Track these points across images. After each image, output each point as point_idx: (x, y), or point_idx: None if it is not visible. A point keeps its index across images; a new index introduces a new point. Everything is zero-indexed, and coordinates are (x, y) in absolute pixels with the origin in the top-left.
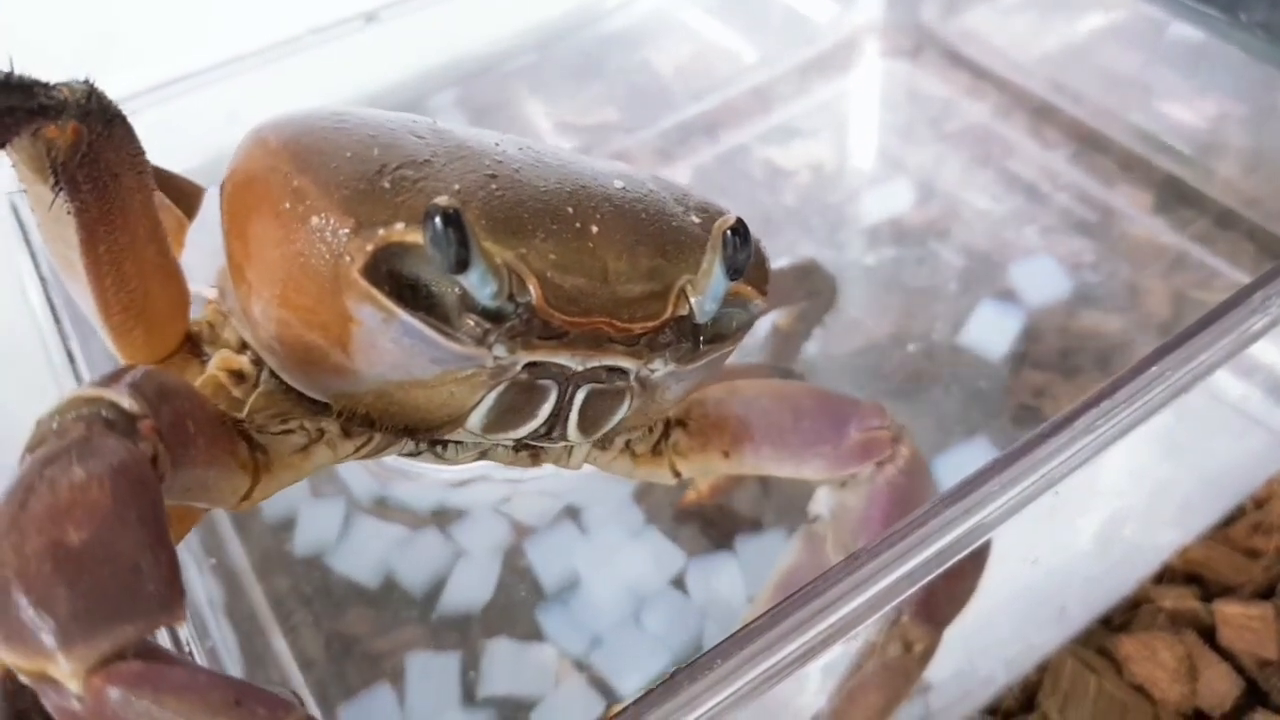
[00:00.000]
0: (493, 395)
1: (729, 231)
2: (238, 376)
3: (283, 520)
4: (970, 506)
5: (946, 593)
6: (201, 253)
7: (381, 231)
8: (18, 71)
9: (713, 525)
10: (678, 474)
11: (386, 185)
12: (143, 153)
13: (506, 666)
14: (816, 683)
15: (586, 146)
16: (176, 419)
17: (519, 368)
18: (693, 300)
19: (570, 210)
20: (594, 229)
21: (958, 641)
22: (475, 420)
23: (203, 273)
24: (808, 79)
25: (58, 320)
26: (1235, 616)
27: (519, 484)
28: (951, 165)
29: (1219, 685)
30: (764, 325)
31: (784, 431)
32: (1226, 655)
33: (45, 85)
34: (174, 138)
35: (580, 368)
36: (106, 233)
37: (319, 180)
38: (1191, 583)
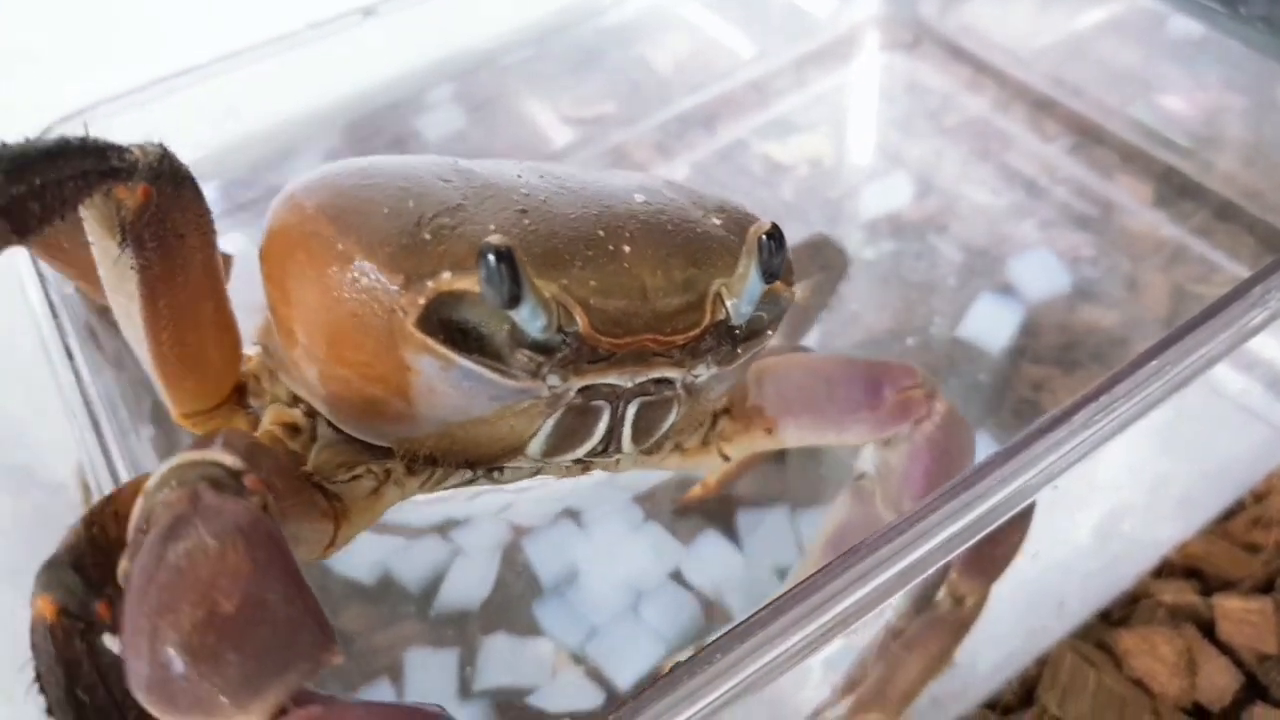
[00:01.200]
0: (550, 422)
1: (764, 236)
2: (293, 430)
3: None
4: (969, 501)
5: (994, 549)
6: (241, 311)
7: (430, 283)
8: (92, 135)
9: (714, 515)
10: (726, 457)
11: (427, 236)
12: (208, 213)
13: (504, 660)
14: (818, 676)
15: (584, 140)
16: (268, 475)
17: (572, 393)
18: (729, 304)
19: (601, 233)
20: (626, 249)
21: None
22: (535, 447)
23: (244, 330)
24: (806, 73)
25: (56, 318)
26: (1234, 611)
27: (523, 491)
28: (950, 159)
29: (1218, 679)
30: None
31: (822, 402)
32: (1226, 649)
33: (119, 148)
34: (173, 132)
35: (630, 384)
36: (167, 289)
37: (362, 241)
38: (1191, 577)
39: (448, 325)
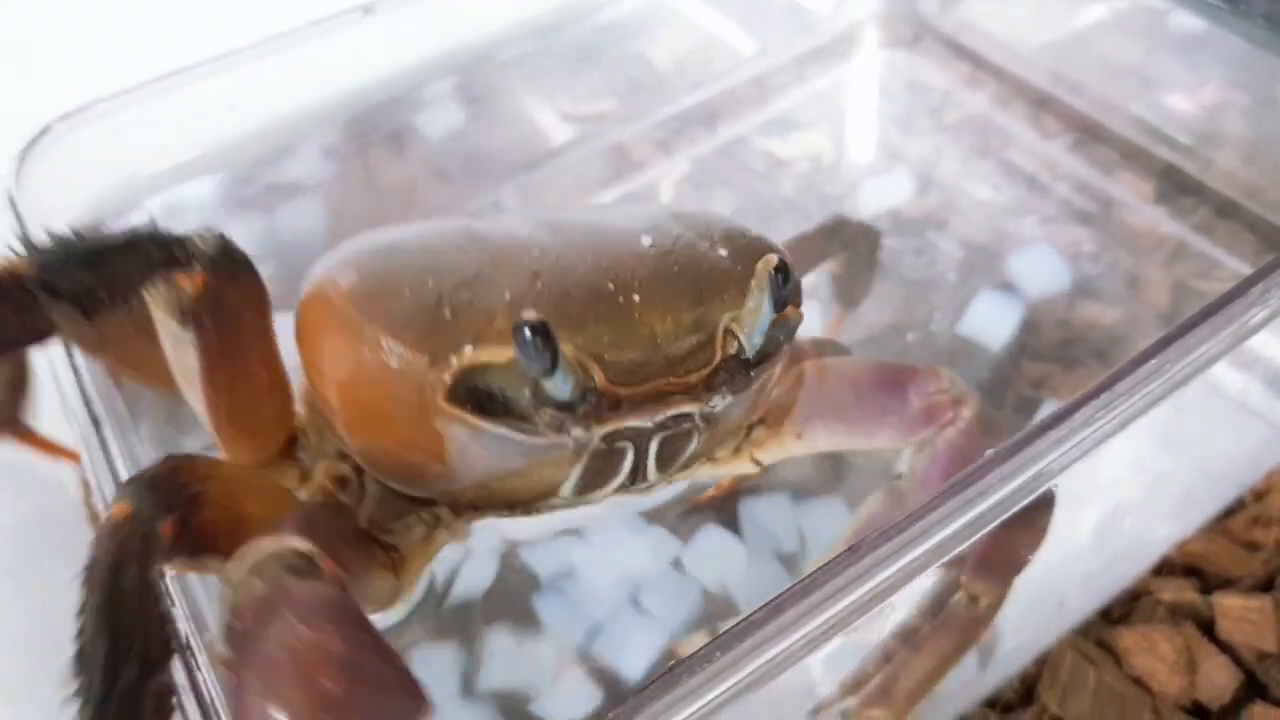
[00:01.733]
0: (578, 468)
1: (775, 272)
2: (342, 482)
3: None
4: (970, 498)
5: (1007, 548)
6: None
7: (454, 359)
8: (156, 226)
9: (720, 510)
10: (758, 463)
11: (448, 314)
12: (264, 290)
13: (506, 658)
14: (819, 674)
15: (584, 138)
16: (335, 544)
17: (596, 440)
18: (741, 337)
19: (611, 287)
20: (636, 298)
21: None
22: (566, 489)
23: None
24: (806, 70)
25: None
26: (1234, 609)
27: None
28: (951, 156)
29: (1218, 677)
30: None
31: (849, 408)
32: (1225, 648)
33: (180, 240)
34: (173, 130)
35: (650, 424)
36: (225, 362)
37: (388, 325)
38: (1191, 575)
39: (474, 393)
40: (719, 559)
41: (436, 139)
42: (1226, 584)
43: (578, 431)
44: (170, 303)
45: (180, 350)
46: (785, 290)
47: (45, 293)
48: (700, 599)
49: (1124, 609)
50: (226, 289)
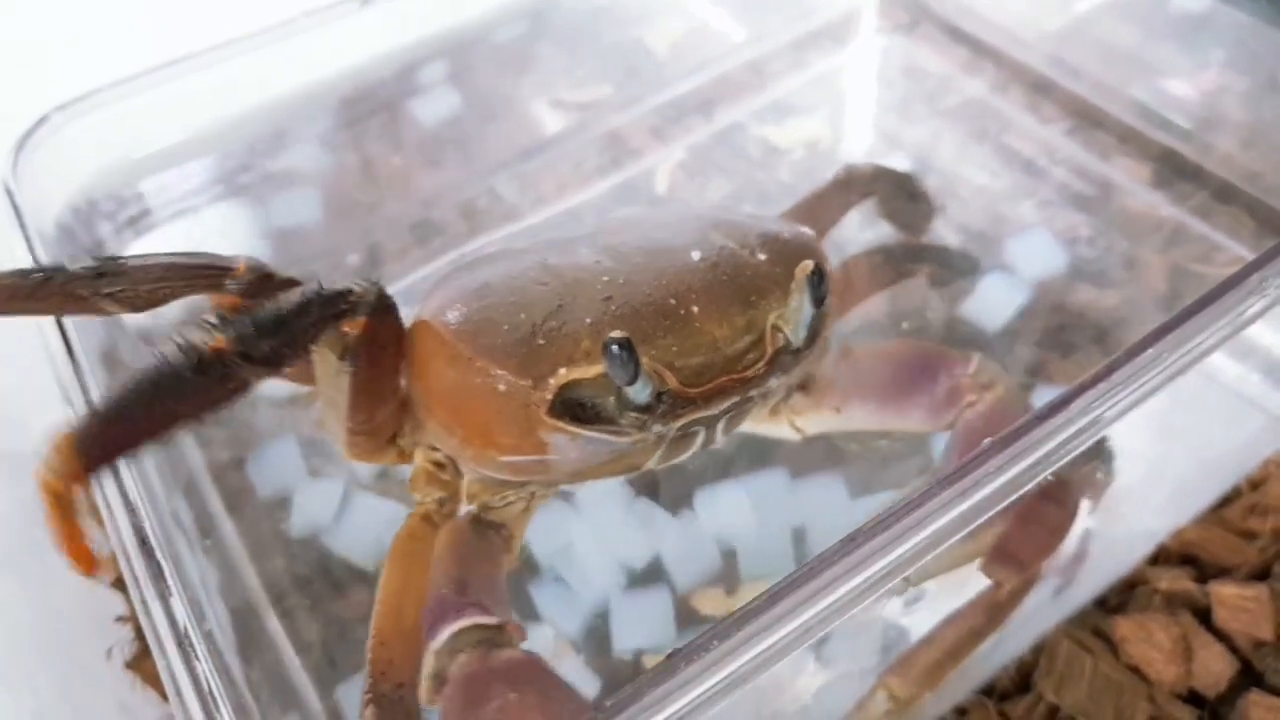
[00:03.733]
0: (659, 452)
1: (811, 275)
2: (439, 466)
3: (278, 501)
4: (966, 488)
5: (1032, 535)
6: None
7: (552, 380)
8: (321, 285)
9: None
10: (798, 430)
11: (542, 342)
12: (401, 323)
13: None
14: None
15: (580, 125)
16: (478, 564)
17: (673, 432)
18: (787, 332)
19: (673, 302)
20: (695, 309)
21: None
22: (648, 466)
23: None
24: (803, 55)
25: None
26: (1230, 598)
27: None
28: (948, 141)
29: (1214, 666)
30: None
31: (885, 387)
32: (1222, 636)
33: (346, 292)
34: (170, 120)
35: (716, 412)
36: (368, 386)
37: (494, 357)
38: (1187, 564)
39: (570, 406)
40: (731, 521)
41: (432, 126)
42: (1223, 572)
43: (657, 428)
44: (334, 343)
45: (334, 379)
46: (822, 289)
47: (243, 361)
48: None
49: (1120, 597)
50: (379, 328)
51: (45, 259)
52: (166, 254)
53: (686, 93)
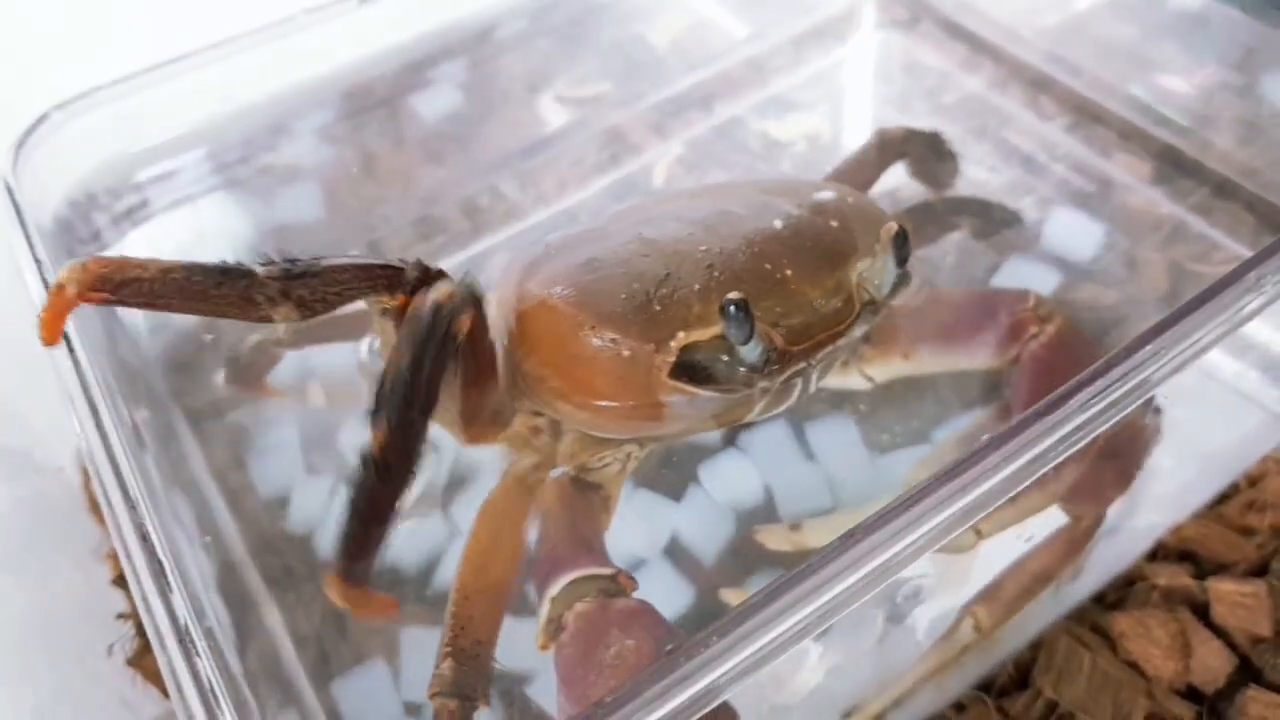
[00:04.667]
0: (762, 403)
1: (896, 236)
2: (536, 430)
3: (277, 497)
4: (964, 485)
5: (1108, 476)
6: None
7: (672, 343)
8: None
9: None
10: (869, 378)
11: (658, 308)
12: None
13: (501, 640)
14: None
15: (581, 121)
16: (582, 522)
17: (777, 385)
18: (871, 290)
19: (768, 266)
20: (789, 272)
21: (952, 620)
22: (752, 416)
23: None
24: (803, 51)
25: None
26: (1229, 594)
27: None
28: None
29: (1212, 662)
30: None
31: (949, 329)
32: (1220, 632)
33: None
34: (171, 117)
35: (812, 363)
36: (477, 376)
37: (618, 325)
38: (1185, 560)
39: (687, 367)
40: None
41: (432, 122)
42: (1221, 569)
43: (764, 383)
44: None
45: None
46: (905, 249)
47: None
48: (701, 579)
49: (1119, 594)
50: (478, 323)
51: (45, 254)
52: (343, 256)
53: (687, 88)
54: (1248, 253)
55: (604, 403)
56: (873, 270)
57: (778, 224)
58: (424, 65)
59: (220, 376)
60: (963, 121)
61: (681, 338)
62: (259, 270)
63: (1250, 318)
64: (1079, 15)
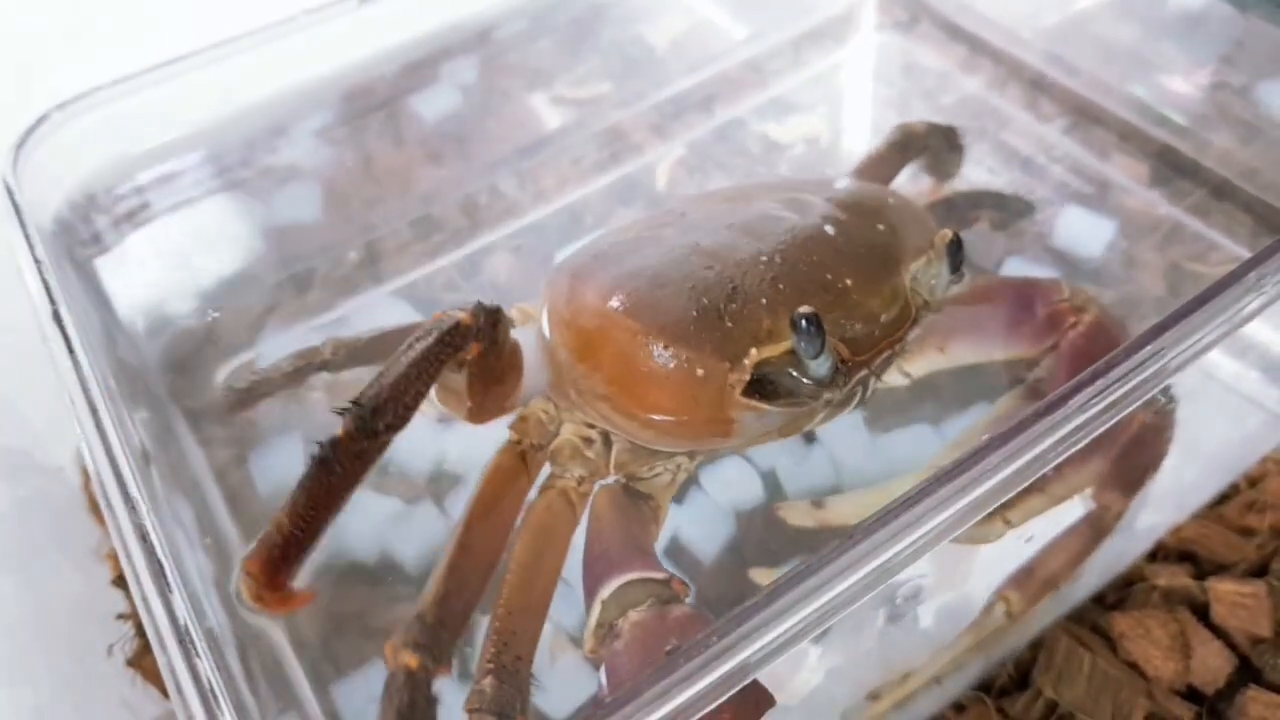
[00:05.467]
0: (824, 411)
1: (950, 243)
2: (586, 441)
3: (278, 498)
4: (965, 485)
5: (1133, 465)
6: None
7: (746, 360)
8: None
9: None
10: (907, 375)
11: (730, 324)
12: (508, 326)
13: None
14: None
15: (580, 121)
16: (634, 531)
17: (842, 394)
18: (926, 295)
19: (830, 277)
20: (849, 281)
21: (951, 620)
22: (815, 424)
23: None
24: (803, 52)
25: (54, 304)
26: (1228, 594)
27: None
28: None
29: (1212, 662)
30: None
31: (984, 321)
32: (1219, 633)
33: (455, 330)
34: (171, 118)
35: (875, 369)
36: (490, 386)
37: (691, 343)
38: (1185, 560)
39: (759, 383)
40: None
41: (432, 122)
42: (1221, 569)
43: (830, 394)
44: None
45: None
46: (959, 255)
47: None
48: (700, 578)
49: (1119, 594)
50: (491, 348)
51: (45, 255)
52: (404, 355)
53: (687, 89)
54: (1245, 253)
55: (671, 419)
56: (926, 275)
57: (830, 230)
58: (424, 65)
59: (220, 376)
60: (962, 122)
61: (754, 355)
62: (346, 435)
63: (1250, 318)
64: (1078, 15)
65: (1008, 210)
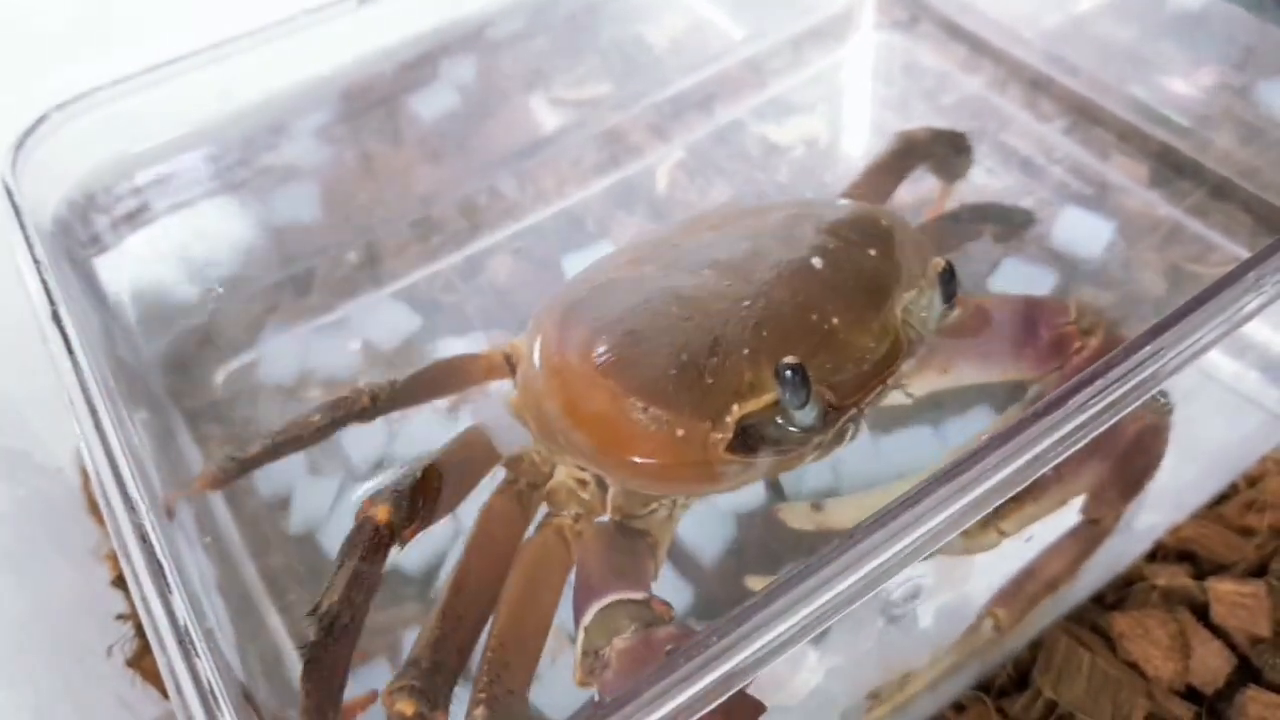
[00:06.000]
0: (815, 452)
1: (943, 273)
2: (581, 483)
3: (278, 498)
4: (965, 484)
5: (1124, 476)
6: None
7: (728, 418)
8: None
9: None
10: (909, 394)
11: (710, 381)
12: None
13: None
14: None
15: (579, 122)
16: (622, 561)
17: (832, 435)
18: (918, 327)
19: (815, 317)
20: (835, 320)
21: (950, 620)
22: (804, 465)
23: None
24: (802, 52)
25: (54, 304)
26: (1228, 594)
27: None
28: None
29: (1211, 662)
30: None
31: (987, 342)
32: (1219, 633)
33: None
34: (170, 118)
35: (865, 406)
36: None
37: (669, 403)
38: (1184, 560)
39: (743, 436)
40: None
41: (431, 122)
42: (1220, 569)
43: (820, 438)
44: None
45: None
46: (953, 286)
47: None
48: (700, 580)
49: (1118, 594)
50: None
51: (44, 255)
52: (343, 576)
53: (686, 90)
54: (1245, 254)
55: (657, 473)
56: (919, 307)
57: (817, 263)
58: (422, 65)
59: (219, 376)
60: (962, 123)
61: (736, 410)
62: (312, 646)
63: (1250, 318)
64: (1078, 16)
65: (1011, 222)
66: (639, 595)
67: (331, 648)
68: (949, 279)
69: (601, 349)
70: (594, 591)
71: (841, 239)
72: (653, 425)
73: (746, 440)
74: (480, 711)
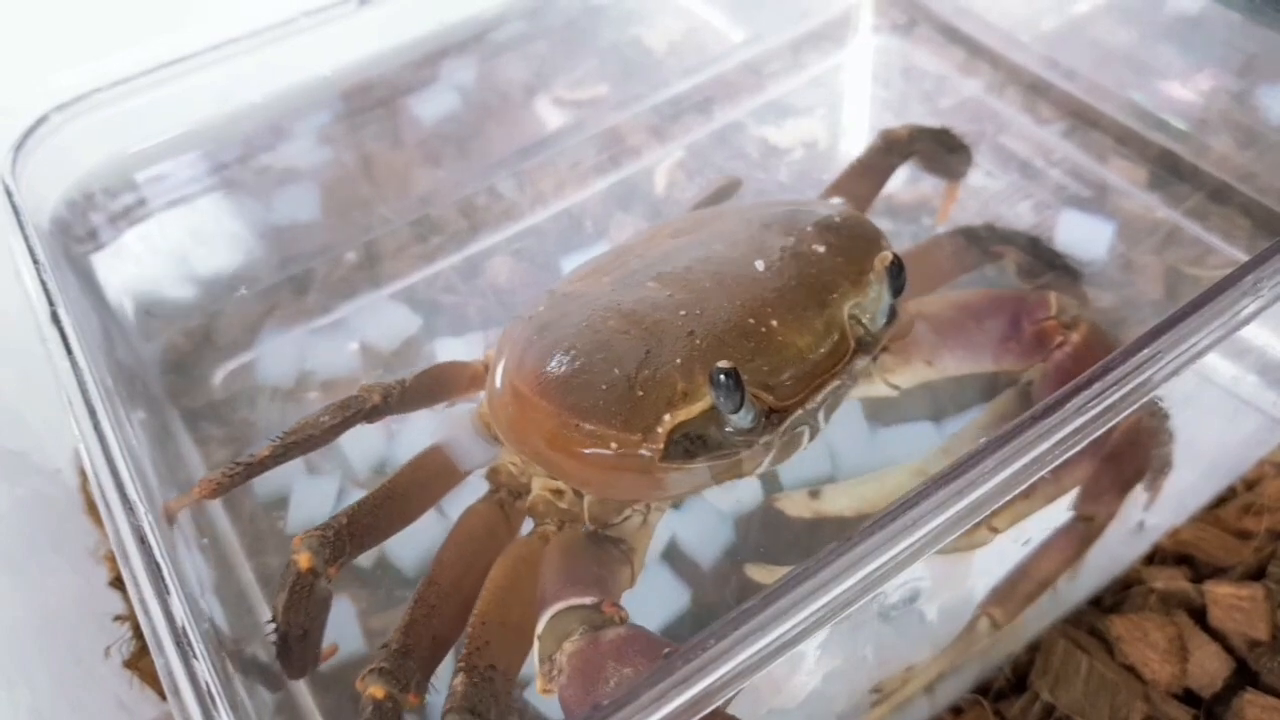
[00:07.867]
0: (770, 455)
1: (890, 266)
2: (558, 493)
3: (275, 499)
4: (962, 489)
5: (1116, 474)
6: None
7: (660, 429)
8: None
9: None
10: (895, 387)
11: (641, 393)
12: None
13: None
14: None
15: (578, 123)
16: (591, 569)
17: (779, 437)
18: (866, 323)
19: (752, 321)
20: (774, 323)
21: (949, 620)
22: (760, 470)
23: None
24: (801, 55)
25: (53, 305)
26: (1225, 597)
27: None
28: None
29: (1209, 665)
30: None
31: (970, 335)
32: (1217, 636)
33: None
34: (170, 119)
35: (815, 406)
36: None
37: (602, 420)
38: (1182, 564)
39: (680, 445)
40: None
41: (430, 123)
42: (1218, 572)
43: (765, 439)
44: None
45: None
46: (900, 279)
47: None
48: (698, 582)
49: (1116, 597)
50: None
51: (43, 255)
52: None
53: (685, 92)
54: (1243, 257)
55: (605, 485)
56: (865, 303)
57: (759, 266)
58: (422, 67)
59: (217, 377)
60: (960, 125)
61: (668, 421)
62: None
63: (1247, 321)
64: (1076, 19)
65: (1039, 258)
66: (588, 600)
67: (294, 648)
68: (896, 272)
69: (544, 368)
70: (546, 600)
71: (791, 237)
72: (589, 441)
73: (688, 448)
74: (459, 679)
